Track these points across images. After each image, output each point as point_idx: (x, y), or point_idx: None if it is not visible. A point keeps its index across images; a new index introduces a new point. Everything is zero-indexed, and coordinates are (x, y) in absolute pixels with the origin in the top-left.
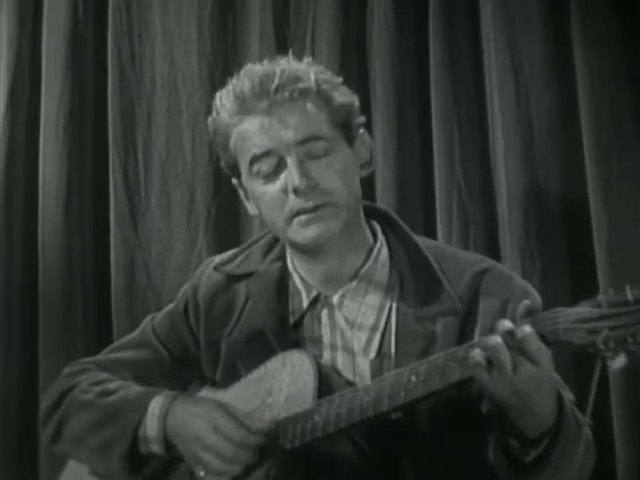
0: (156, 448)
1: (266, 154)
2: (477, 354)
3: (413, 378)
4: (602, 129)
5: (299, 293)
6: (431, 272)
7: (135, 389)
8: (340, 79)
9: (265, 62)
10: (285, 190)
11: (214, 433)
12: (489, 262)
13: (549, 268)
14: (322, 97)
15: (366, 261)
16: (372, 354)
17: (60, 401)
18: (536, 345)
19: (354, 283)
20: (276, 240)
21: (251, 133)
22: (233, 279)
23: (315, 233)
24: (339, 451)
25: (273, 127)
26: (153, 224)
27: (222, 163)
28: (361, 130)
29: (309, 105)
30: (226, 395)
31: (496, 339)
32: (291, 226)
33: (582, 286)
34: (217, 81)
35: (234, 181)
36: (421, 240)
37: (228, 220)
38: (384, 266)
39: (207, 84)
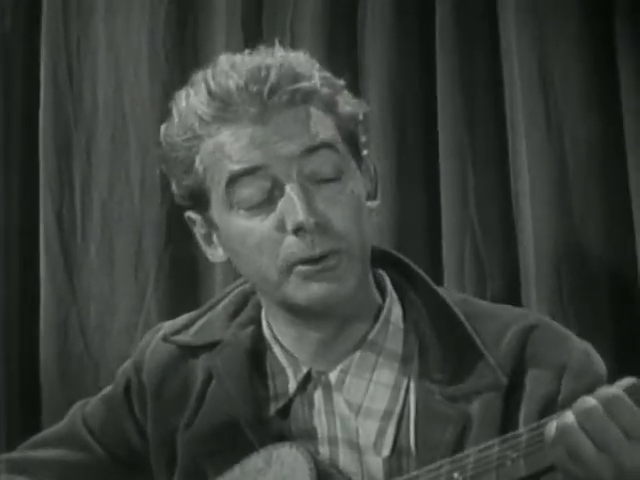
0: None
1: (252, 172)
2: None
3: (456, 475)
4: None
5: (282, 370)
6: (463, 335)
7: None
8: (342, 81)
9: (247, 52)
10: (281, 227)
11: None
12: (536, 317)
13: (587, 339)
14: (327, 101)
15: (374, 325)
16: (386, 450)
17: None
18: None
19: (358, 354)
20: (246, 298)
21: (233, 146)
22: (188, 352)
23: (323, 291)
24: None
25: (267, 140)
26: (92, 277)
27: (176, 190)
28: (365, 151)
29: (313, 109)
30: None
31: (590, 401)
32: (289, 279)
33: (630, 363)
34: None
35: (191, 215)
36: (445, 293)
37: (184, 272)
38: (397, 330)
39: (160, 107)
